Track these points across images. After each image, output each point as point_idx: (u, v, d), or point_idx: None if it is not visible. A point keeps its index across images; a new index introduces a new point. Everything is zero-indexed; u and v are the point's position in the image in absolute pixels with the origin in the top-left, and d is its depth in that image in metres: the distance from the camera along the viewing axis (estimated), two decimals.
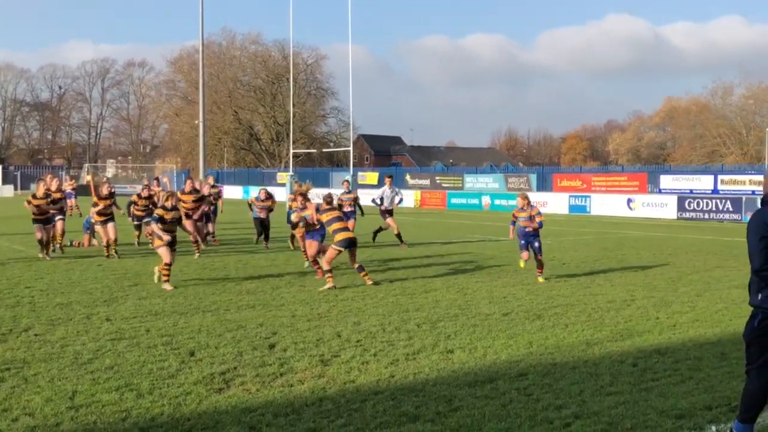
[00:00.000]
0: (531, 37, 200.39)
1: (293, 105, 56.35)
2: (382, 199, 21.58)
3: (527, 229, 14.27)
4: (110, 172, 77.55)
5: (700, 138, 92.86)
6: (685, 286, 13.69)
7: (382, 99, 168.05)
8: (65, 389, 6.99)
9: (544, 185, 46.80)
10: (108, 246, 18.10)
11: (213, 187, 23.39)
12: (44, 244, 17.45)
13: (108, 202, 18.45)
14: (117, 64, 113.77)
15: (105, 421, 6.15)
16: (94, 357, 8.21)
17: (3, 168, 78.25)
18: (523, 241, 14.35)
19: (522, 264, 14.72)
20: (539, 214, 14.34)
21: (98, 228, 18.65)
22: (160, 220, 13.66)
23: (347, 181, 22.47)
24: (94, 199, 18.59)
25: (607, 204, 41.60)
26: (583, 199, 42.98)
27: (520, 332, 9.65)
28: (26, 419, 6.18)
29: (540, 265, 14.37)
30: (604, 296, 12.52)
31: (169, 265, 13.33)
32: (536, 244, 14.26)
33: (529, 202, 14.44)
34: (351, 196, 21.05)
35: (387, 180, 22.40)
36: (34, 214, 17.67)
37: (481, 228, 29.87)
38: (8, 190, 65.05)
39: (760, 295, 5.43)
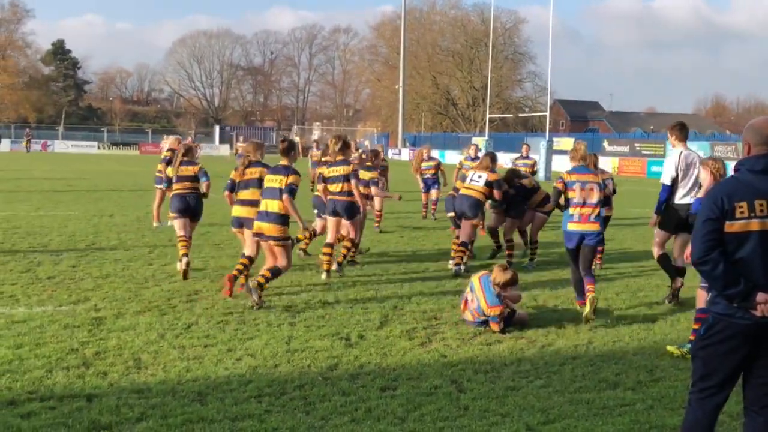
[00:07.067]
0: None
1: (490, 70, 55.99)
2: None
3: None
4: (316, 134, 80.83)
5: None
6: None
7: (576, 64, 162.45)
8: (281, 334, 7.58)
9: None
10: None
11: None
12: None
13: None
14: (324, 30, 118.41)
15: (318, 366, 6.64)
16: (306, 306, 8.82)
17: (220, 128, 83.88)
18: None
19: None
20: None
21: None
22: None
23: (527, 145, 19.79)
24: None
25: None
26: None
27: None
28: (249, 359, 6.78)
29: None
30: None
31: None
32: None
33: None
34: (531, 161, 18.82)
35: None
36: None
37: None
38: (224, 149, 69.71)
39: (709, 296, 4.47)
